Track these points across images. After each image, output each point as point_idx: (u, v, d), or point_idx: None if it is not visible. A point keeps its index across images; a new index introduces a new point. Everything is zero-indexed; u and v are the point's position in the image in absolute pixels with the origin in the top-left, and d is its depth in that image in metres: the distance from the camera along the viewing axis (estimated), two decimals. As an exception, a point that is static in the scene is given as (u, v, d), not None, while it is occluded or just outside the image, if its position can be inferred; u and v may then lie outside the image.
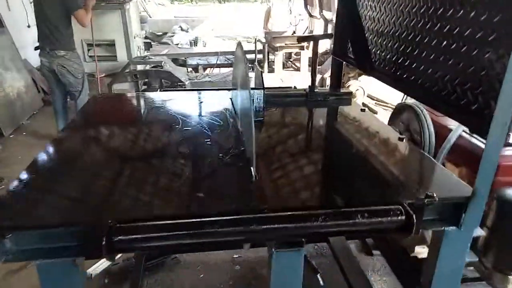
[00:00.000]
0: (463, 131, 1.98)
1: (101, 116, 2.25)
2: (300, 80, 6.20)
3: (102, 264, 2.96)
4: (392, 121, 2.31)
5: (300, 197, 1.40)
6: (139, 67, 5.86)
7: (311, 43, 2.38)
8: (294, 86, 2.70)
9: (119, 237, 1.10)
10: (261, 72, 2.21)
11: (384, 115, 6.14)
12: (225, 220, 1.17)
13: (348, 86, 6.39)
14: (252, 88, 2.05)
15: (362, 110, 2.22)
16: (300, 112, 2.35)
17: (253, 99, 2.36)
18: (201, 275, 2.95)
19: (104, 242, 1.07)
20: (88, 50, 5.81)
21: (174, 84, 6.67)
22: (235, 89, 2.46)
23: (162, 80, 6.16)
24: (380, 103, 6.62)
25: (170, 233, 1.12)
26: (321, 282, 2.89)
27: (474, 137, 2.02)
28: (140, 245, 1.14)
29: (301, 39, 2.30)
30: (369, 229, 1.26)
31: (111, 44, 5.74)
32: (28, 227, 1.14)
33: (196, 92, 2.61)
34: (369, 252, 3.18)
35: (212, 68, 6.77)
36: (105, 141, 1.90)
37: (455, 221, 1.36)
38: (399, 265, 2.47)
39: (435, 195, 1.32)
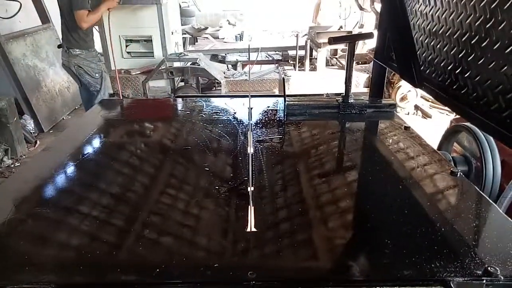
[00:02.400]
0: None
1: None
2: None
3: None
4: (444, 143, 1.87)
5: (307, 263, 1.05)
6: (176, 64, 5.71)
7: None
8: (327, 94, 2.32)
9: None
10: (284, 78, 1.87)
11: (439, 121, 5.49)
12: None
13: (399, 87, 5.82)
14: (270, 96, 1.72)
15: (406, 128, 1.80)
16: (328, 128, 1.97)
17: (272, 110, 2.04)
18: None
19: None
20: (126, 46, 5.74)
21: (210, 81, 6.47)
22: (253, 96, 2.14)
23: (199, 77, 5.98)
24: (436, 105, 5.96)
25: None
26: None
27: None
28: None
29: (333, 39, 1.93)
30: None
31: (148, 40, 5.62)
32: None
33: (208, 99, 2.33)
34: None
35: (252, 65, 6.48)
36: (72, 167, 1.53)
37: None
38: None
39: (498, 271, 0.93)
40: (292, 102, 2.03)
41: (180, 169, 1.57)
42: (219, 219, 1.21)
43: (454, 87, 1.47)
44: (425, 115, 5.85)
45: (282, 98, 1.92)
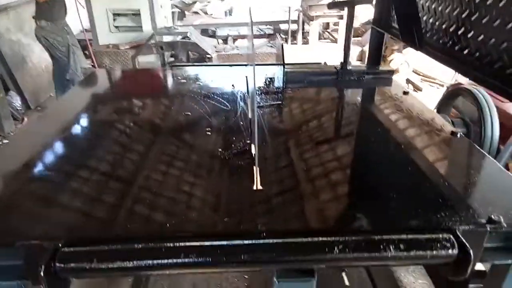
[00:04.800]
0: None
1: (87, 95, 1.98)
2: (337, 52, 5.69)
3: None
4: (442, 107, 1.88)
5: (314, 216, 1.06)
6: (166, 39, 5.58)
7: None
8: (325, 62, 2.30)
9: (64, 265, 0.84)
10: (283, 44, 1.84)
11: (429, 94, 5.53)
12: (208, 246, 0.87)
13: (391, 61, 5.82)
14: (269, 64, 1.70)
15: (405, 93, 1.81)
16: (327, 94, 1.97)
17: (271, 78, 2.02)
18: (216, 267, 2.74)
19: (42, 271, 0.81)
20: (114, 20, 5.58)
21: (201, 57, 6.37)
22: (250, 65, 2.12)
23: (189, 52, 5.87)
24: (427, 79, 5.99)
25: (134, 263, 0.84)
26: (346, 282, 2.60)
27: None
28: (94, 274, 0.87)
29: (333, 4, 1.91)
30: (405, 263, 0.92)
31: (137, 14, 5.46)
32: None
33: (205, 67, 2.29)
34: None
35: (242, 39, 6.39)
36: (71, 131, 1.55)
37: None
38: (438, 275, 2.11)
39: (502, 219, 0.96)
40: (290, 70, 2.01)
41: (183, 134, 1.55)
42: (226, 179, 1.21)
43: (457, 48, 1.47)
44: (416, 88, 5.89)
45: (280, 66, 1.90)
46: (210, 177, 1.23)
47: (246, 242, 0.88)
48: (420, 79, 6.05)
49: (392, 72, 2.06)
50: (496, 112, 1.49)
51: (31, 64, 5.50)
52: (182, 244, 0.87)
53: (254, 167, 1.19)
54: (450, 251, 0.89)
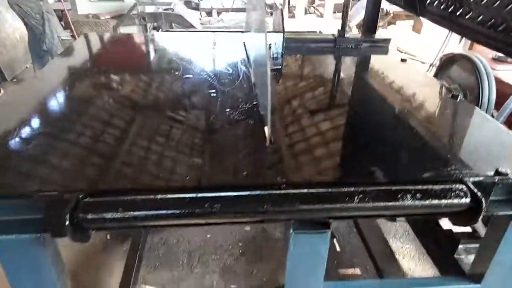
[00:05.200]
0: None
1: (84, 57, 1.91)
2: (323, 27, 5.68)
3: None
4: (438, 75, 1.92)
5: (329, 168, 1.09)
6: (149, 9, 5.40)
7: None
8: (319, 31, 2.30)
9: (90, 215, 0.83)
10: (282, 10, 1.81)
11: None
12: (230, 197, 0.88)
13: (375, 36, 5.85)
14: (269, 31, 1.68)
15: (403, 61, 1.84)
16: (327, 60, 1.97)
17: (270, 44, 2.00)
18: (208, 235, 2.77)
19: (67, 222, 0.80)
20: (93, -12, 5.36)
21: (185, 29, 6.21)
22: (249, 31, 2.09)
23: (173, 24, 5.71)
24: (410, 57, 6.08)
25: (158, 212, 0.84)
26: (338, 248, 2.68)
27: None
28: (118, 224, 0.87)
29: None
30: (420, 213, 0.96)
31: (118, -18, 5.28)
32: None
33: (203, 34, 2.25)
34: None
35: (227, 13, 6.25)
36: (74, 89, 1.54)
37: (528, 204, 1.04)
38: (428, 237, 2.21)
39: (508, 171, 1.00)
40: (289, 37, 1.99)
41: (189, 94, 1.53)
42: (240, 136, 1.22)
43: (458, 13, 1.49)
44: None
45: (279, 33, 1.89)
46: (223, 134, 1.22)
47: (269, 192, 0.89)
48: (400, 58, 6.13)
49: (388, 40, 2.08)
50: (493, 76, 1.54)
51: (4, 34, 5.23)
52: (205, 194, 0.87)
53: (266, 126, 1.20)
54: (463, 200, 0.93)
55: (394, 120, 1.32)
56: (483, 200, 0.92)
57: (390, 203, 0.91)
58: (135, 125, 1.25)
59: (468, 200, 0.93)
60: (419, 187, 0.93)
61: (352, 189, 0.92)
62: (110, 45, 2.17)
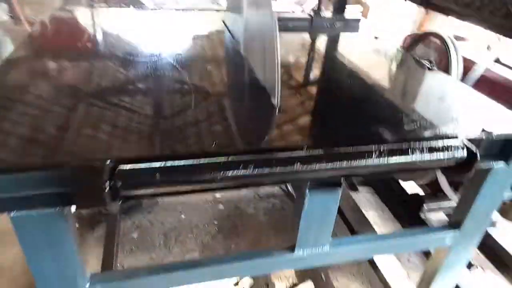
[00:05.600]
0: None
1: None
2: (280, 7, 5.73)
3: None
4: (409, 50, 2.08)
5: (339, 130, 1.15)
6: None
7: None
8: (293, 11, 2.35)
9: (127, 182, 0.82)
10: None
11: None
12: (263, 159, 0.91)
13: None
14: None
15: (376, 38, 1.96)
16: (306, 38, 2.04)
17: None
18: (182, 216, 2.76)
19: (107, 189, 0.79)
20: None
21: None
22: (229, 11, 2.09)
23: (121, 3, 5.41)
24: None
25: (199, 176, 0.85)
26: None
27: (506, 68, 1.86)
28: (153, 191, 0.86)
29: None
30: (427, 167, 1.07)
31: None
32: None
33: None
34: (354, 188, 3.12)
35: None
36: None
37: (504, 157, 1.20)
38: (394, 202, 2.41)
39: (492, 130, 1.15)
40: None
41: (188, 68, 1.51)
42: (246, 101, 1.25)
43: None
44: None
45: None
46: (233, 103, 1.25)
47: (298, 154, 0.94)
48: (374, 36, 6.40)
49: (358, 20, 2.19)
50: (460, 52, 1.71)
51: None
52: (240, 158, 0.90)
53: (274, 96, 1.22)
54: (460, 153, 1.05)
55: (384, 92, 1.43)
56: (477, 153, 1.04)
57: (403, 158, 1.00)
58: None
59: (465, 153, 1.05)
60: (426, 143, 1.04)
61: (367, 148, 0.99)
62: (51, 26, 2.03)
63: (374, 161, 0.98)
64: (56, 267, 0.96)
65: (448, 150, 1.04)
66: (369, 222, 2.20)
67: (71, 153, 0.89)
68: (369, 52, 1.78)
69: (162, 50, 1.63)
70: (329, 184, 1.11)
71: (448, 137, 1.08)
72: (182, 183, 0.85)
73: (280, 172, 0.91)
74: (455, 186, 2.02)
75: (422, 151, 1.01)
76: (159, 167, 0.84)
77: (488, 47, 1.84)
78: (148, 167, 0.83)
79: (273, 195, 3.02)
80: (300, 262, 1.27)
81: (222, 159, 0.87)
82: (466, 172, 1.08)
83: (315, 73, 1.55)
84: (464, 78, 1.75)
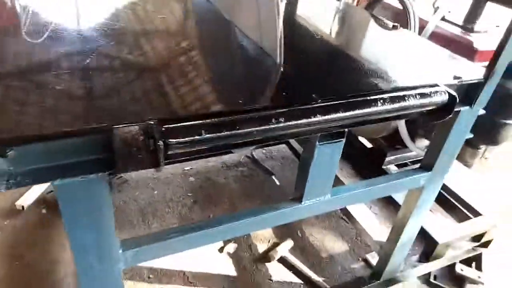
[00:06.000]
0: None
1: None
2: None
3: (33, 193, 2.52)
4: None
5: (346, 84, 1.26)
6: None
7: None
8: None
9: (178, 140, 0.85)
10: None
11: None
12: (290, 111, 0.99)
13: None
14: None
15: (338, 0, 2.08)
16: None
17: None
18: (155, 191, 2.75)
19: (153, 148, 0.82)
20: None
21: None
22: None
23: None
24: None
25: (240, 131, 0.91)
26: (277, 182, 2.98)
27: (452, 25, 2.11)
28: (197, 147, 0.91)
29: None
30: (418, 111, 1.23)
31: None
32: (35, 138, 0.80)
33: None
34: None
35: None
36: None
37: (469, 101, 1.41)
38: (357, 156, 2.63)
39: (462, 76, 1.34)
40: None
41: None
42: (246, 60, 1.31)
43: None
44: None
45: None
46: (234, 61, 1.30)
47: (318, 105, 1.03)
48: None
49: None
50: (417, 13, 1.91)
51: None
52: (272, 112, 0.97)
53: (276, 56, 1.28)
54: (444, 97, 1.22)
55: (362, 49, 1.57)
56: (456, 96, 1.22)
57: (400, 104, 1.14)
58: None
59: (447, 97, 1.22)
60: (416, 91, 1.19)
61: (376, 96, 1.12)
62: None
63: (381, 108, 1.11)
64: (94, 234, 0.97)
65: (434, 95, 1.20)
66: (338, 178, 2.40)
67: (110, 116, 0.89)
68: (336, 15, 1.91)
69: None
70: (334, 136, 1.23)
71: (431, 85, 1.25)
72: (225, 138, 0.90)
73: (306, 123, 1.00)
74: (411, 137, 2.27)
75: (415, 97, 1.17)
76: (203, 123, 0.88)
77: (435, 6, 2.07)
78: (193, 124, 0.87)
79: (240, 163, 3.12)
80: (307, 211, 1.39)
81: (255, 114, 0.94)
82: (448, 115, 1.26)
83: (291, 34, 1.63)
84: (419, 34, 1.96)
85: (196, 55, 1.33)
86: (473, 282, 2.26)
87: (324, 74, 1.30)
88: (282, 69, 1.24)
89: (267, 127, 0.93)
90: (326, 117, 1.00)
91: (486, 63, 1.38)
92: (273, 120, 0.95)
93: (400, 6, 2.01)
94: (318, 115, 0.98)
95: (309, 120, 0.98)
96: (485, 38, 1.98)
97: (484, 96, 1.41)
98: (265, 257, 2.33)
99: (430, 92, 1.20)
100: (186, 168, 3.00)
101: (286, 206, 1.36)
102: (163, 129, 0.85)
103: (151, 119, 0.85)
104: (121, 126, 0.82)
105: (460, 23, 2.11)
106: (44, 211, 2.48)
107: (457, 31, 2.06)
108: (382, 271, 2.01)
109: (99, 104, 0.94)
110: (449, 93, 1.23)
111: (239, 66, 1.34)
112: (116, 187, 2.71)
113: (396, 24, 1.76)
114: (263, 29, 1.34)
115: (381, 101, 1.11)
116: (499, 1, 1.95)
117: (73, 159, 0.84)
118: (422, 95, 1.18)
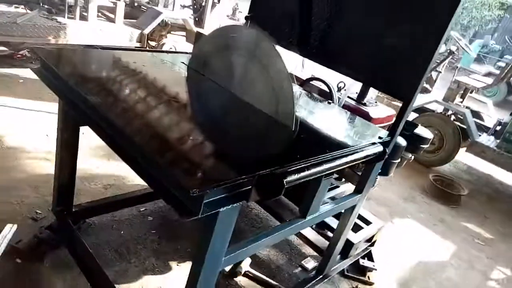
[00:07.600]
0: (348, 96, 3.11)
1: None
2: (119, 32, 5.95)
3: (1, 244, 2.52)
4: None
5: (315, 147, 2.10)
6: None
7: None
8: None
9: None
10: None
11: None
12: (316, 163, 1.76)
13: (163, 44, 6.68)
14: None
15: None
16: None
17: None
18: (122, 232, 3.01)
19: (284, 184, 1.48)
20: None
21: None
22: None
23: None
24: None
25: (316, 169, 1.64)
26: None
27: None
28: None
29: None
30: (362, 161, 2.13)
31: None
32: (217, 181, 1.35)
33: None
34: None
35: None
36: None
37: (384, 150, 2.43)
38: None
39: (383, 137, 2.34)
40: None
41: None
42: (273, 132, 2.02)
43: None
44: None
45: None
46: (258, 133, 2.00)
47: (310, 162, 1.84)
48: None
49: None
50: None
51: None
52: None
53: (292, 124, 2.04)
54: (378, 150, 2.17)
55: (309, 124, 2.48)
56: (386, 149, 2.19)
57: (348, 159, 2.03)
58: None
59: (381, 149, 2.18)
60: (360, 151, 2.10)
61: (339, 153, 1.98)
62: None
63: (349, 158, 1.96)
64: (226, 244, 1.52)
65: (373, 149, 2.14)
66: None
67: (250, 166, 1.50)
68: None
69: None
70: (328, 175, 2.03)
71: (372, 143, 2.19)
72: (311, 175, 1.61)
73: (323, 169, 1.77)
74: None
75: (359, 153, 2.06)
76: (305, 166, 1.57)
77: (343, 87, 3.17)
78: (298, 167, 1.55)
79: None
80: (307, 224, 2.13)
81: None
82: (380, 160, 2.22)
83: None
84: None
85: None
86: (371, 270, 3.30)
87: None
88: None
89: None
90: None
91: (380, 125, 2.44)
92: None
93: (323, 86, 3.02)
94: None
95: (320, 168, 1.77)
96: (374, 109, 3.12)
97: (391, 148, 2.45)
98: (233, 273, 2.89)
99: (371, 148, 2.14)
100: (141, 209, 3.32)
101: (298, 221, 2.06)
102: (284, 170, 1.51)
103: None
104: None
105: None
106: (18, 261, 2.50)
107: (355, 104, 3.18)
108: (323, 269, 2.85)
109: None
110: (383, 148, 2.19)
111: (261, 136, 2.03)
112: (83, 231, 2.87)
113: (330, 101, 2.73)
114: (278, 101, 2.09)
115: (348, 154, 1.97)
116: (385, 92, 3.17)
117: (231, 193, 1.42)
118: (366, 151, 2.10)
